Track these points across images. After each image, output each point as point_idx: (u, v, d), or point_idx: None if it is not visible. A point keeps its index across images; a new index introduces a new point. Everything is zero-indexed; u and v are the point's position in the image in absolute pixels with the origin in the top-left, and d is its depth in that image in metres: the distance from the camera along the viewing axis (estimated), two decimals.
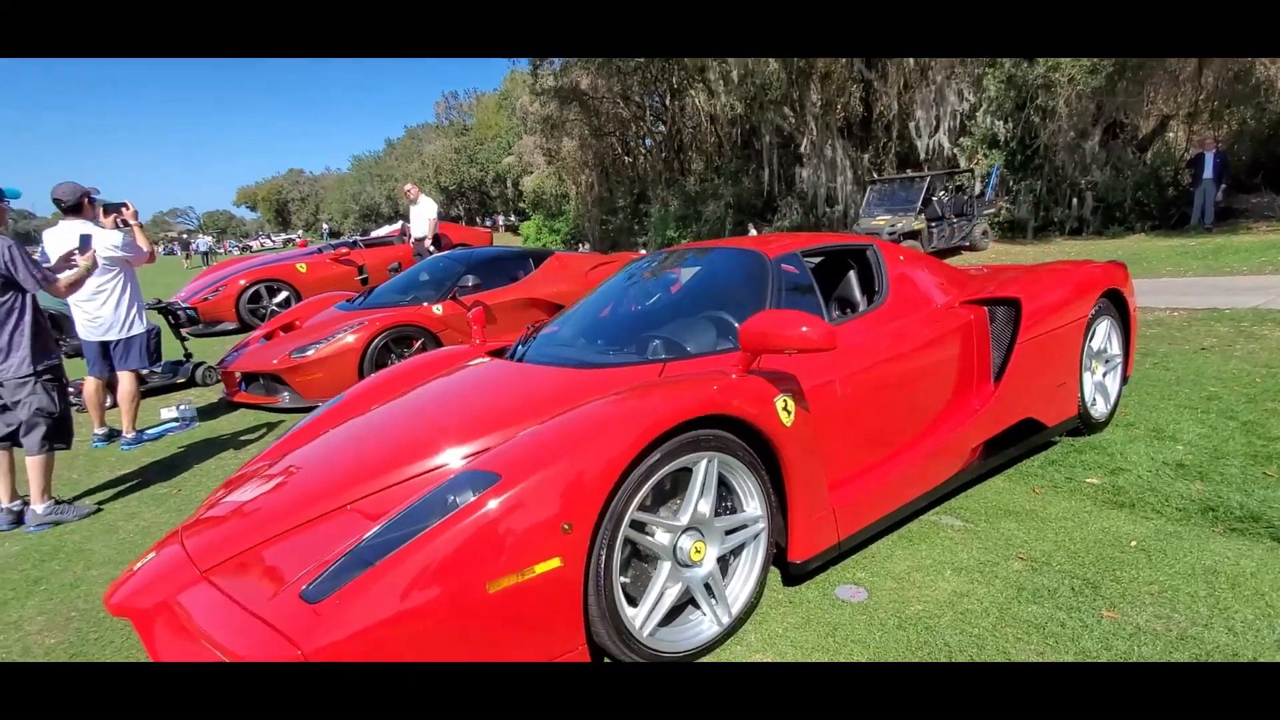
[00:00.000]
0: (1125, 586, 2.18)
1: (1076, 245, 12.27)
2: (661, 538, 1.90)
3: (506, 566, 1.56)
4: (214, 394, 6.26)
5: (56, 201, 4.48)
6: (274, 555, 1.81)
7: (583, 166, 26.14)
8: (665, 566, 1.91)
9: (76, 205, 4.45)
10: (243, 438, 4.89)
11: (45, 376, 3.40)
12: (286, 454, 2.47)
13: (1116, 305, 3.68)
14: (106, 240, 4.48)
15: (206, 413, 5.67)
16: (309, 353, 5.49)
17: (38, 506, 3.44)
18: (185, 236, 47.72)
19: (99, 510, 3.67)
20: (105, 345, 4.69)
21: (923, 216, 11.71)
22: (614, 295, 3.12)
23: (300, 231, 61.92)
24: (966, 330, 2.95)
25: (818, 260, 3.35)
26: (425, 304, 6.15)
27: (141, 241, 4.82)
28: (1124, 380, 3.79)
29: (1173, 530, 2.52)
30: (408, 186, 9.85)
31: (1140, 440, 3.39)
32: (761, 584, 2.14)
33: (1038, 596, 2.16)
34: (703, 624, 2.01)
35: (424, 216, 9.50)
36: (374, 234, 15.96)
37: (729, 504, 2.10)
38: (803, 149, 17.13)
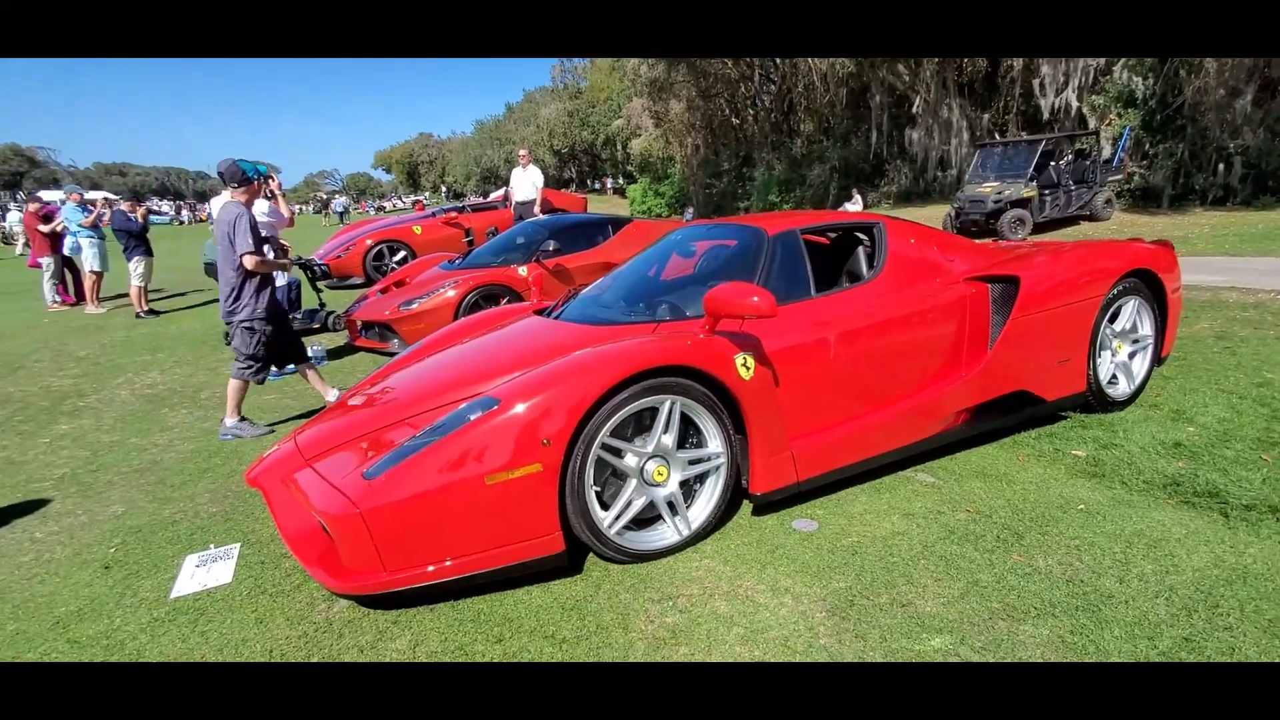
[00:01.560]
0: (1048, 539, 2.44)
1: (1218, 216, 11.06)
2: (630, 460, 2.42)
3: (499, 466, 2.15)
4: (340, 338, 7.39)
5: (220, 175, 5.55)
6: (351, 450, 2.52)
7: (689, 129, 26.12)
8: (632, 483, 2.43)
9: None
10: (359, 373, 5.88)
11: (245, 325, 4.24)
12: (373, 385, 3.22)
13: (1152, 286, 3.66)
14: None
15: (334, 353, 6.77)
16: (414, 306, 6.42)
17: (228, 420, 4.45)
18: (325, 197, 53.04)
19: (272, 430, 4.60)
20: None
21: (1034, 184, 10.99)
22: (639, 263, 3.60)
23: (426, 194, 66.31)
24: (960, 304, 3.16)
25: (833, 236, 3.65)
26: (512, 266, 6.89)
27: (283, 209, 5.84)
28: (1157, 361, 3.78)
29: (1128, 499, 2.70)
30: (522, 151, 10.58)
31: (1154, 420, 3.45)
32: (720, 508, 2.60)
33: (963, 540, 2.47)
34: (667, 533, 2.53)
35: (530, 182, 10.21)
36: (491, 196, 17.18)
37: (696, 440, 2.58)
38: (916, 109, 16.31)
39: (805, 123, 21.67)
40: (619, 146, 38.62)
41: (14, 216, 24.42)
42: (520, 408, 2.20)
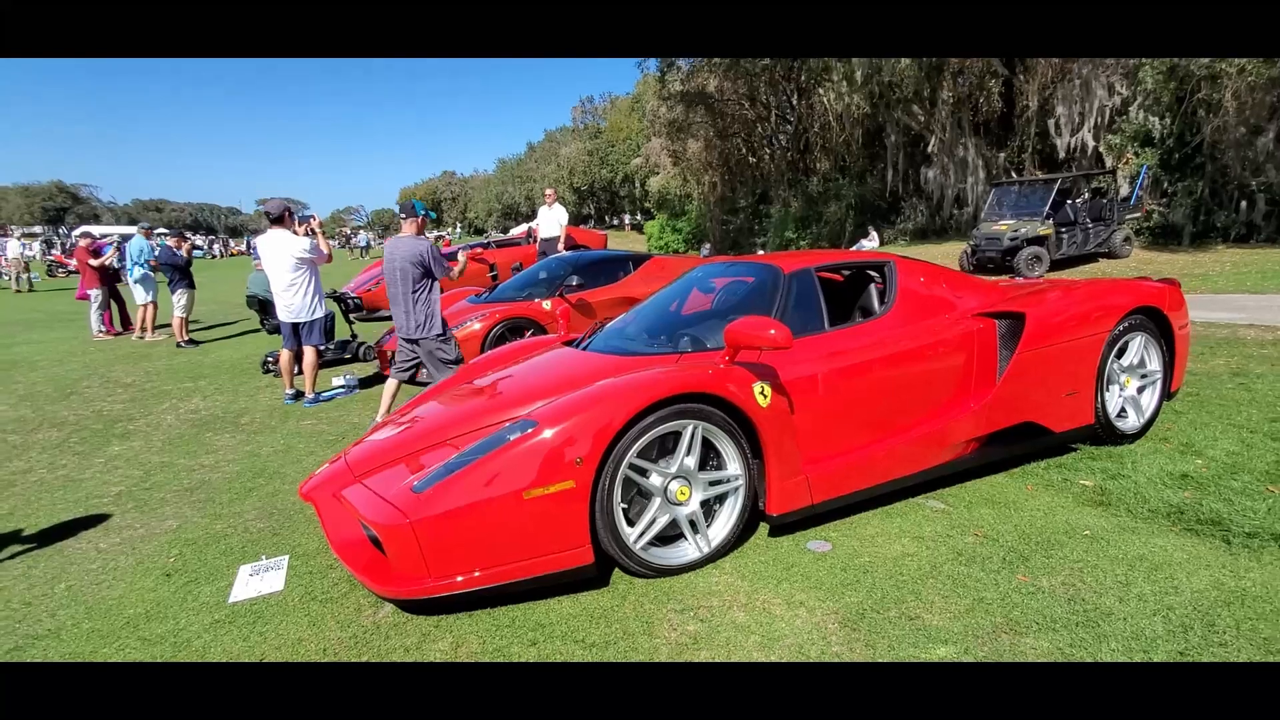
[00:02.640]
0: (1052, 561, 2.56)
1: (1241, 253, 11.10)
2: (655, 480, 2.60)
3: (536, 482, 2.34)
4: (371, 368, 7.70)
5: (266, 214, 5.94)
6: (398, 468, 2.73)
7: (707, 167, 26.71)
8: (656, 501, 2.61)
9: (280, 217, 5.87)
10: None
11: (446, 335, 4.89)
12: (415, 409, 3.45)
13: (1159, 323, 3.79)
14: (298, 245, 5.85)
15: (366, 382, 7.06)
16: None
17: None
18: (348, 233, 55.94)
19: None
20: (296, 325, 6.09)
21: (1050, 222, 11.15)
22: (662, 298, 3.83)
23: (449, 230, 68.65)
24: (968, 339, 3.33)
25: (846, 274, 3.85)
26: (537, 300, 7.18)
27: (323, 245, 6.19)
28: (1167, 396, 3.89)
29: (1132, 526, 2.81)
30: (548, 191, 11.13)
31: (1163, 453, 3.55)
32: (739, 526, 2.76)
33: (970, 561, 2.60)
34: (689, 550, 2.69)
35: (555, 220, 10.65)
36: (511, 232, 17.77)
37: (716, 463, 2.75)
38: (931, 148, 16.64)
39: (821, 161, 22.12)
40: (637, 184, 39.50)
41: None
42: (556, 429, 2.40)
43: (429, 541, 2.28)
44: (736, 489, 2.74)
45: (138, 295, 10.59)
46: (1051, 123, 13.77)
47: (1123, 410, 3.73)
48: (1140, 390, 3.80)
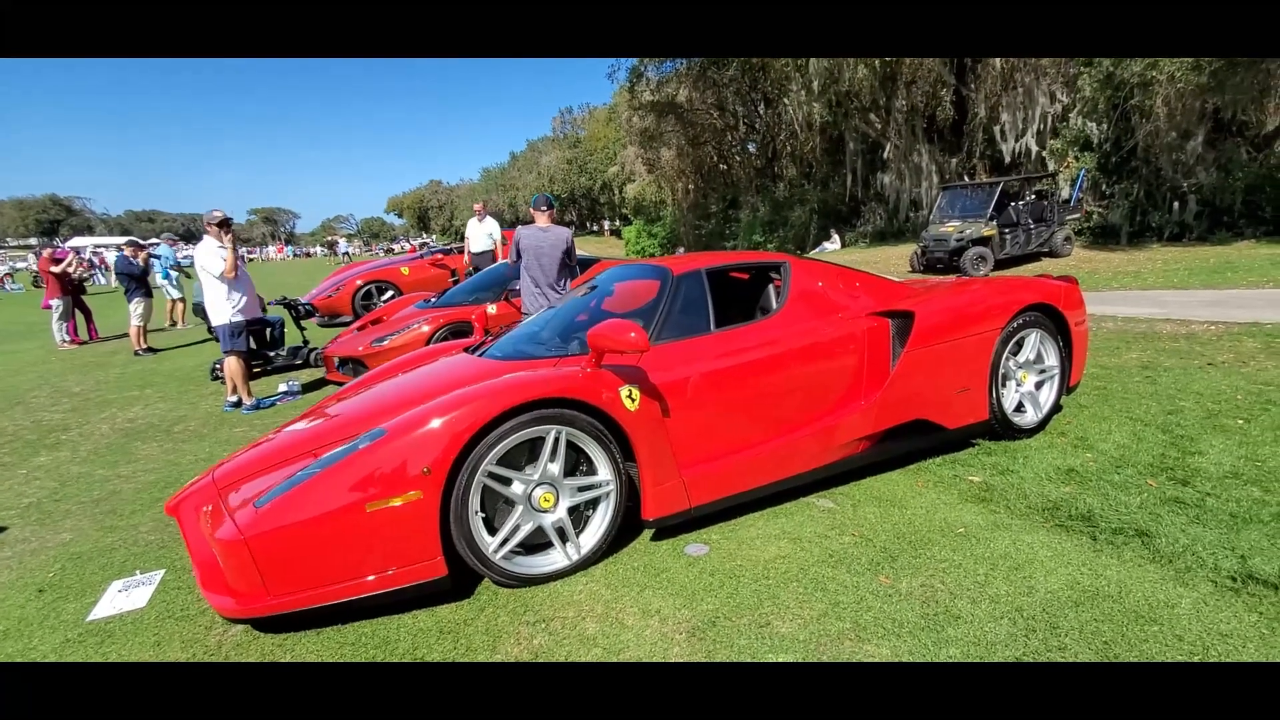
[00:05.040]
0: (919, 561, 2.54)
1: (1174, 251, 11.31)
2: (517, 488, 2.55)
3: (379, 494, 2.28)
4: (318, 373, 7.58)
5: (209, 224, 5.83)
6: (258, 481, 2.66)
7: (680, 174, 26.88)
8: (519, 509, 2.56)
9: (222, 224, 5.80)
10: None
11: None
12: (301, 420, 3.37)
13: (1055, 320, 3.81)
14: (203, 252, 5.76)
15: (313, 387, 6.93)
16: (385, 342, 6.62)
17: None
18: (330, 240, 56.44)
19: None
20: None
21: (994, 223, 11.30)
22: (567, 303, 3.79)
23: (433, 238, 69.22)
24: (859, 338, 3.32)
25: (746, 274, 3.84)
26: (483, 304, 7.11)
27: (225, 258, 6.02)
28: (1066, 390, 3.90)
29: (1006, 523, 2.80)
30: (476, 205, 10.35)
31: (1056, 447, 3.57)
32: (610, 533, 2.71)
33: (838, 563, 2.57)
34: (558, 558, 2.64)
35: (485, 234, 9.96)
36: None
37: (588, 468, 2.71)
38: (887, 155, 16.81)
39: (788, 168, 22.30)
40: (615, 191, 39.62)
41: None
42: (405, 438, 2.34)
43: (264, 558, 2.21)
44: (608, 494, 2.70)
45: (169, 294, 11.85)
46: (998, 129, 13.98)
47: (1020, 405, 3.75)
48: (1038, 385, 3.82)
